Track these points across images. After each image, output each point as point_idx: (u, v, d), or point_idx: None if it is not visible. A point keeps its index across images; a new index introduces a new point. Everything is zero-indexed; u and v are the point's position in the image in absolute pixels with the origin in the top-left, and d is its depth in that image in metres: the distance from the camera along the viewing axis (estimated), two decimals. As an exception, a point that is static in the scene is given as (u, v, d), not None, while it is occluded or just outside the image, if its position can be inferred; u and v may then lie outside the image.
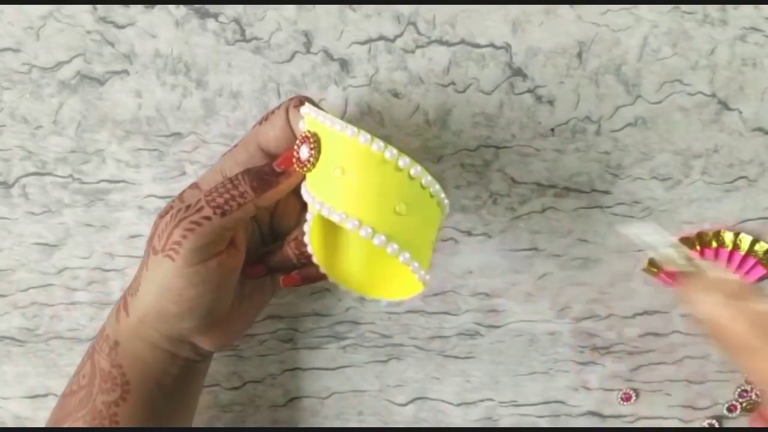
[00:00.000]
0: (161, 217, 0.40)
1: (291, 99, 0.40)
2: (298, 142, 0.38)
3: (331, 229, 0.41)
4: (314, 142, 0.37)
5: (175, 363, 0.41)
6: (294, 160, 0.38)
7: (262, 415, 0.50)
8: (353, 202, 0.36)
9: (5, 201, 0.47)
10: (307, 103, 0.38)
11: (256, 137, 0.40)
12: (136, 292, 0.40)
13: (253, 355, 0.50)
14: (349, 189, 0.36)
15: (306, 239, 0.40)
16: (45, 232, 0.48)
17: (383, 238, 0.35)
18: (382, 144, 0.35)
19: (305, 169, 0.37)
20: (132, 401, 0.39)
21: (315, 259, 0.41)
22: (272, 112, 0.40)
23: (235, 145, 0.42)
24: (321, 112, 0.37)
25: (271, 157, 0.40)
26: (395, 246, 0.36)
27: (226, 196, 0.37)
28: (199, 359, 0.42)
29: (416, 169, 0.36)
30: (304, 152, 0.37)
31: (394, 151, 0.36)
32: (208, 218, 0.37)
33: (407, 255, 0.36)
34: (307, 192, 0.38)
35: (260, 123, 0.41)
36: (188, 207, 0.38)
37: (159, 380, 0.40)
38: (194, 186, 0.41)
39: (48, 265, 0.48)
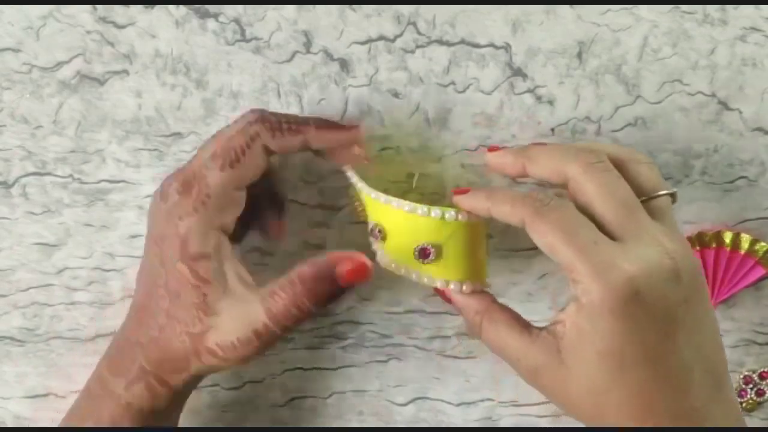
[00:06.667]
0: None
1: (258, 123, 0.40)
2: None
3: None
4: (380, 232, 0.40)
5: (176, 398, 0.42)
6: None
7: (262, 415, 0.50)
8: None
9: (5, 201, 0.47)
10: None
11: (230, 181, 0.39)
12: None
13: (253, 355, 0.50)
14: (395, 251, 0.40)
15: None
16: (45, 232, 0.48)
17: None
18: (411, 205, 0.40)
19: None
20: None
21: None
22: (242, 152, 0.39)
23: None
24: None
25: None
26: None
27: (292, 320, 0.39)
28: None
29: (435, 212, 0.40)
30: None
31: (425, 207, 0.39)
32: (276, 335, 0.39)
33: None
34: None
35: (230, 165, 0.39)
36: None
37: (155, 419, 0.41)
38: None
39: (48, 265, 0.48)
